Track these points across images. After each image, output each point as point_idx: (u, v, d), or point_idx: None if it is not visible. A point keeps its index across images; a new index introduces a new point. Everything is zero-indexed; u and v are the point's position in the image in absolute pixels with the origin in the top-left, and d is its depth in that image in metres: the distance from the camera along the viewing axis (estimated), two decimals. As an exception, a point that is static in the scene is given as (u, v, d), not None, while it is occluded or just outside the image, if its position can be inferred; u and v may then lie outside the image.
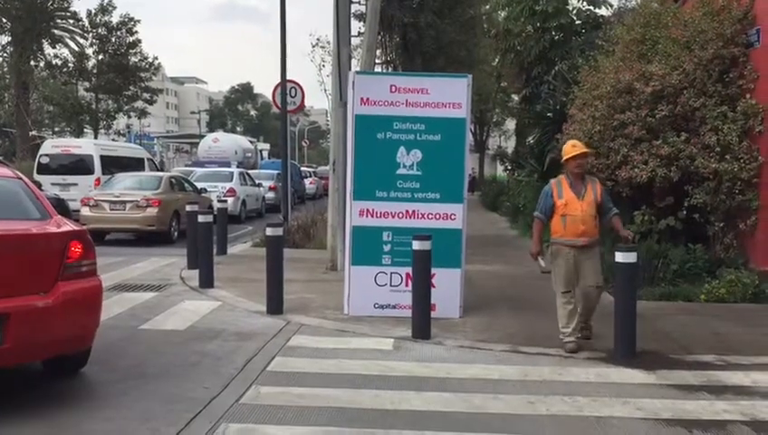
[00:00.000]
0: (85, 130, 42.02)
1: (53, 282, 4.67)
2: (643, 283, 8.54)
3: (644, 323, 6.82)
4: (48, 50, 36.45)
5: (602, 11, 18.68)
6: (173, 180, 16.98)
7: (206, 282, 9.32)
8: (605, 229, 7.10)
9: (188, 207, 11.20)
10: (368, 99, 7.84)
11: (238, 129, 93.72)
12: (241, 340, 6.71)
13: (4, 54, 35.13)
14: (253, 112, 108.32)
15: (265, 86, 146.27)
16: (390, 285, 7.87)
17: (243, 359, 6.05)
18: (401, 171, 7.85)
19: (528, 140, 21.06)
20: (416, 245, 6.97)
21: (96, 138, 36.69)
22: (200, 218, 9.61)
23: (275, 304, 7.86)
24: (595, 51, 12.84)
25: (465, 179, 8.02)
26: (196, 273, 10.16)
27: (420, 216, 7.84)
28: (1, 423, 4.41)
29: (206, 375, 5.57)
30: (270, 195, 25.56)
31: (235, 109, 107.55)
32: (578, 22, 18.56)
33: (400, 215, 7.86)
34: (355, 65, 15.19)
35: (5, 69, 36.36)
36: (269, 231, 8.06)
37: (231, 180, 21.78)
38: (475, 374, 5.74)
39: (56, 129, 50.44)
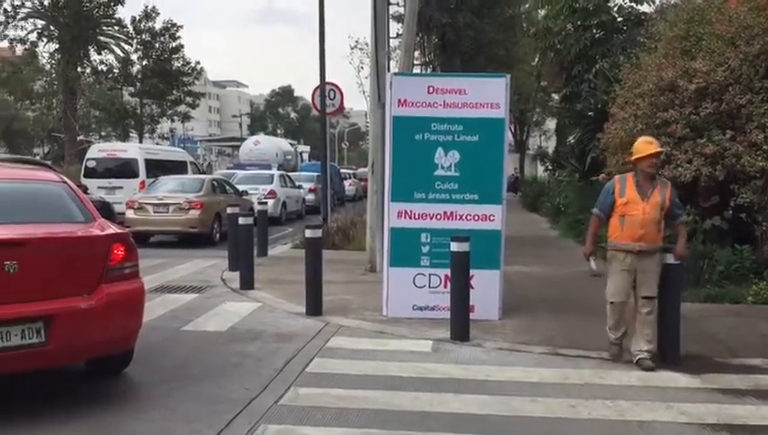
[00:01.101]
0: (130, 134, 42.88)
1: (97, 284, 4.77)
2: (688, 284, 8.36)
3: (689, 325, 6.67)
4: (94, 56, 37.34)
5: (644, 7, 18.35)
6: (215, 183, 17.23)
7: (247, 283, 9.43)
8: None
9: (229, 210, 11.35)
10: (405, 100, 7.84)
11: (279, 131, 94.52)
12: (281, 341, 6.77)
13: (53, 61, 36.06)
14: (293, 115, 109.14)
15: (305, 89, 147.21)
16: (429, 287, 7.86)
17: (282, 360, 6.10)
18: (439, 172, 7.82)
19: (569, 140, 20.79)
20: (454, 246, 6.94)
21: (141, 142, 37.45)
22: (241, 221, 9.73)
23: (315, 306, 7.91)
24: (637, 48, 12.62)
25: (503, 180, 7.95)
26: (237, 275, 10.28)
27: (458, 217, 7.81)
28: (44, 423, 4.52)
29: (246, 376, 5.63)
30: (310, 197, 25.73)
31: (275, 112, 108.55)
32: (619, 19, 18.27)
33: (438, 216, 7.83)
34: (393, 67, 15.20)
35: (53, 75, 37.30)
36: (308, 233, 8.11)
37: (271, 182, 21.98)
38: (513, 377, 5.69)
39: (102, 133, 51.56)
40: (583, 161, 15.64)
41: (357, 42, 26.78)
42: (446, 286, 7.71)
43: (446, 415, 4.80)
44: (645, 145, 6.13)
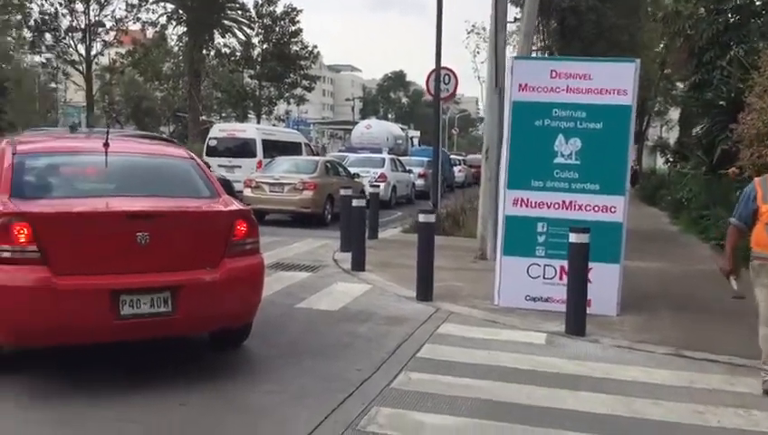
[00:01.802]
0: (248, 115, 44.35)
1: (220, 258, 4.92)
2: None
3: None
4: (218, 39, 38.82)
5: (785, -10, 17.06)
6: (328, 165, 17.50)
7: (358, 265, 9.51)
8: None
9: (342, 192, 11.47)
10: (526, 85, 7.61)
11: (390, 116, 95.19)
12: (391, 324, 6.78)
13: (180, 44, 37.78)
14: (404, 100, 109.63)
15: (417, 74, 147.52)
16: (543, 278, 7.64)
17: (393, 343, 6.09)
18: (559, 160, 7.56)
19: (695, 131, 19.69)
20: (572, 237, 6.69)
21: (258, 123, 38.67)
22: (354, 203, 9.81)
23: (425, 291, 7.87)
24: (778, 33, 11.73)
25: (627, 170, 7.59)
26: (348, 255, 10.41)
27: (578, 207, 7.53)
28: (173, 390, 4.72)
29: (358, 357, 5.67)
30: (420, 181, 25.72)
31: (387, 96, 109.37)
32: (757, 2, 17.05)
33: (557, 205, 7.58)
34: (511, 52, 14.87)
35: (180, 57, 39.08)
36: (421, 217, 8.07)
37: (382, 166, 22.12)
38: (634, 377, 5.42)
39: (222, 114, 53.55)
40: (711, 153, 14.76)
41: (473, 26, 26.39)
42: (561, 278, 7.49)
43: (562, 412, 4.63)
44: None
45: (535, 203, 7.63)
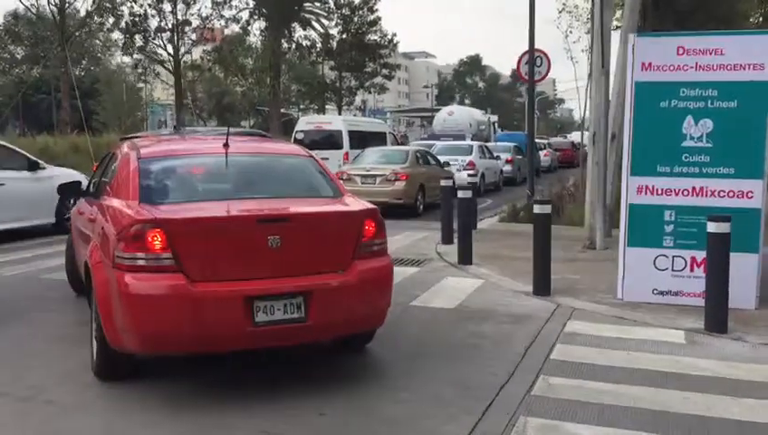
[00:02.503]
0: (326, 106, 44.61)
1: (351, 260, 4.72)
2: None
3: None
4: (299, 32, 39.10)
5: None
6: (418, 154, 17.25)
7: (465, 258, 9.21)
8: None
9: (443, 182, 11.18)
10: (650, 64, 7.10)
11: (466, 101, 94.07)
12: (514, 323, 6.46)
13: (262, 39, 38.24)
14: (481, 84, 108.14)
15: (493, 57, 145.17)
16: (672, 270, 7.14)
17: (521, 344, 5.78)
18: (687, 144, 7.04)
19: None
20: (711, 226, 6.18)
21: (339, 113, 38.79)
22: (460, 194, 9.49)
23: (543, 285, 7.51)
24: None
25: (765, 151, 6.98)
26: (451, 248, 10.16)
27: (710, 193, 6.99)
28: (309, 398, 4.55)
29: (487, 359, 5.38)
30: (507, 168, 25.18)
31: (463, 81, 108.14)
32: None
33: (685, 192, 7.06)
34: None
35: (261, 52, 39.56)
36: (537, 208, 7.69)
37: (470, 153, 21.73)
38: (801, 382, 4.92)
39: (301, 106, 54.06)
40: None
41: (564, 4, 25.41)
42: (692, 270, 7.02)
43: (729, 422, 4.21)
44: None
45: (662, 190, 7.13)
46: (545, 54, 16.37)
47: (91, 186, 6.67)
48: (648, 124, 7.15)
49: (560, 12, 26.96)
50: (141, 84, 47.67)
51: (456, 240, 10.14)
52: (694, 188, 7.04)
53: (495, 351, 5.63)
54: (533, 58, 15.29)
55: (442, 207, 11.16)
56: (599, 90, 10.51)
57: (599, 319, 6.61)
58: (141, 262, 4.26)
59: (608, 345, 5.78)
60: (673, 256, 7.14)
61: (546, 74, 17.05)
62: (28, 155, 12.33)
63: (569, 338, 6.00)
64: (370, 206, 5.08)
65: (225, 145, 5.09)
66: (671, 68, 7.05)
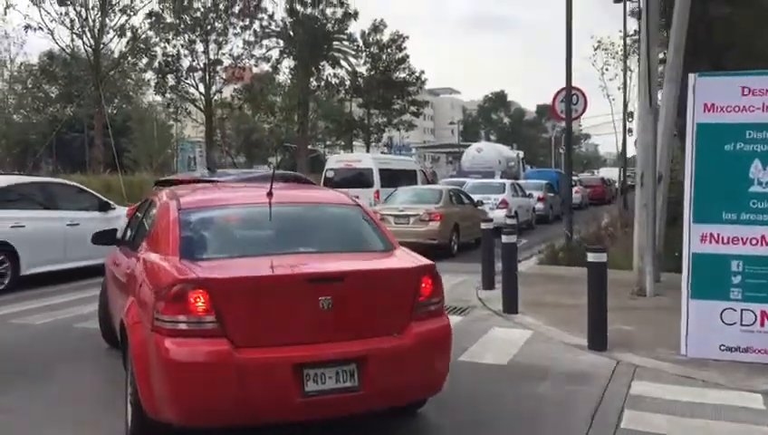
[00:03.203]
0: (353, 143, 44.59)
1: (407, 321, 4.33)
2: None
3: None
4: (328, 70, 39.31)
5: None
6: (452, 193, 16.91)
7: (511, 307, 8.77)
8: None
9: (483, 226, 10.78)
10: (713, 105, 6.71)
11: (492, 137, 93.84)
12: (573, 383, 5.99)
13: (290, 77, 38.48)
14: (506, 120, 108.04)
15: (517, 94, 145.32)
16: (741, 324, 6.63)
17: (586, 409, 5.31)
18: (755, 189, 6.59)
19: None
20: (787, 280, 5.71)
21: (368, 150, 38.70)
22: (504, 239, 9.06)
23: (599, 340, 7.03)
24: None
25: (839, 198, 6.51)
26: (493, 294, 9.76)
27: (781, 242, 6.52)
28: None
29: (551, 428, 4.94)
30: (539, 206, 24.70)
31: (488, 117, 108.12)
32: None
33: (754, 241, 6.59)
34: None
35: (289, 90, 39.75)
36: (591, 257, 7.22)
37: (503, 192, 21.34)
38: None
39: (328, 142, 54.20)
40: None
41: (599, 42, 25.14)
42: (762, 324, 6.53)
43: None
44: None
45: (728, 239, 6.67)
46: (582, 92, 16.01)
47: (127, 234, 6.36)
48: (712, 168, 6.72)
49: (595, 49, 26.70)
50: (172, 122, 48.17)
51: (497, 285, 9.72)
52: (763, 237, 6.56)
53: (559, 417, 5.18)
54: (570, 95, 14.93)
55: (483, 251, 10.74)
56: (646, 129, 10.12)
57: (665, 379, 6.12)
58: (183, 326, 3.90)
59: (681, 412, 5.28)
60: (741, 310, 6.64)
61: (583, 112, 16.65)
62: (99, 196, 12.76)
63: (636, 402, 5.51)
64: (426, 261, 4.66)
65: (269, 194, 4.76)
66: (736, 109, 6.64)
